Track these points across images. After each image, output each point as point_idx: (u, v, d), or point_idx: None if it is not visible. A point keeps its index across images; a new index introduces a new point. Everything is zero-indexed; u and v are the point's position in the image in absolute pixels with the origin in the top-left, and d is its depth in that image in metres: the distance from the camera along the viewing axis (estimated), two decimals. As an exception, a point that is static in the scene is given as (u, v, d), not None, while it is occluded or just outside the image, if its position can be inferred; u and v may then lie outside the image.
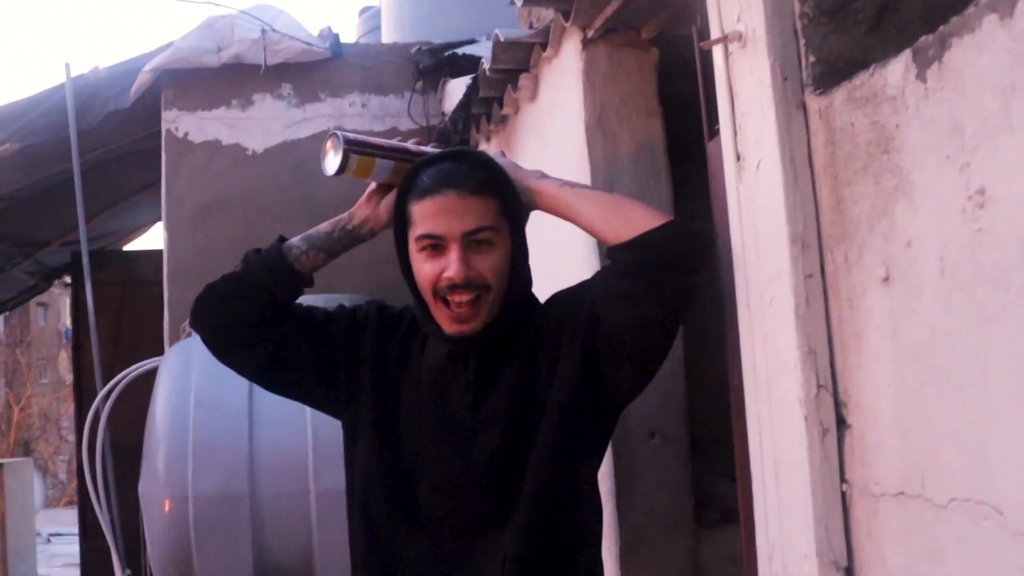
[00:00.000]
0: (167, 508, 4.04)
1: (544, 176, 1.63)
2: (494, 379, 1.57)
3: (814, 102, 1.50)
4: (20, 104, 5.78)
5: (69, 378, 24.95)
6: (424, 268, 1.54)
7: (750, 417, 1.63)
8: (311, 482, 4.05)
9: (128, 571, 4.46)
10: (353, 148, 1.61)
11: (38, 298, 23.38)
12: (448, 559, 1.54)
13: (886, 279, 1.35)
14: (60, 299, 25.96)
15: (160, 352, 5.03)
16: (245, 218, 5.40)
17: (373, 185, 1.67)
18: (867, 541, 1.43)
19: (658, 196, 2.54)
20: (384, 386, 1.63)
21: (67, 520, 13.65)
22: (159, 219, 8.54)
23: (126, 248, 8.55)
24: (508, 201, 1.56)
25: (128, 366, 4.72)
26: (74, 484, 20.59)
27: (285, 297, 1.66)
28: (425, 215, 1.54)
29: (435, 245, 1.53)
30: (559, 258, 2.60)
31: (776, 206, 1.52)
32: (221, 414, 4.06)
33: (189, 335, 4.64)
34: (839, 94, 1.44)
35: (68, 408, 23.96)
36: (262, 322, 1.64)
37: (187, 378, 4.16)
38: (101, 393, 4.50)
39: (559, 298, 1.60)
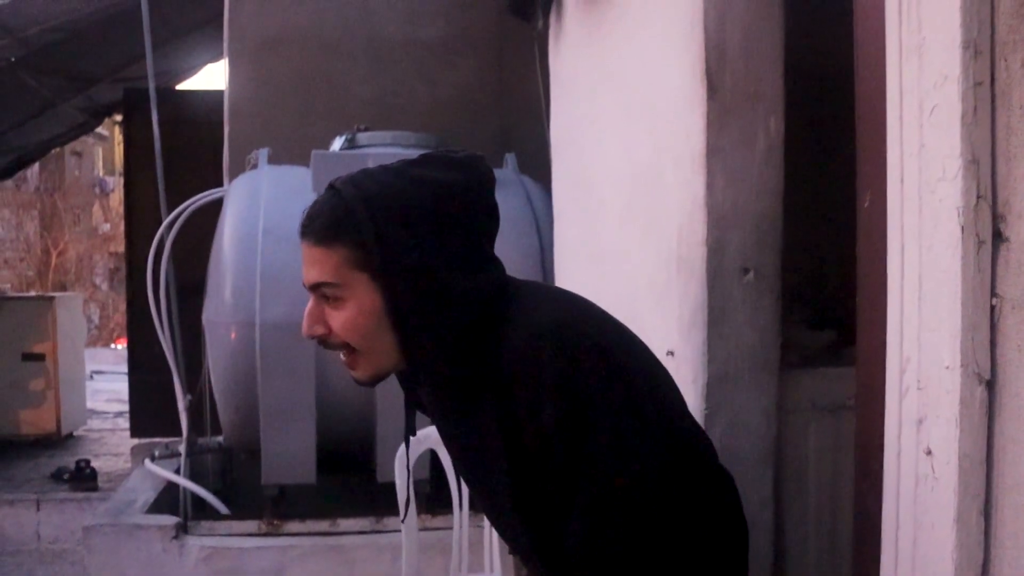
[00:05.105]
0: (233, 335, 4.10)
1: None
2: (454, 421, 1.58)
3: None
4: (82, -73, 5.65)
5: (103, 228, 25.20)
6: None
7: (892, 231, 1.60)
8: (376, 316, 4.02)
9: (189, 396, 4.56)
10: None
11: (72, 147, 23.47)
12: None
13: (1073, 82, 1.30)
14: (94, 149, 25.99)
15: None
16: (308, 55, 5.33)
17: None
18: (1016, 355, 1.42)
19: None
20: None
21: (105, 359, 14.00)
22: (210, 61, 8.47)
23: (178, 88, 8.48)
24: (366, 249, 1.39)
25: (179, 205, 4.71)
26: (110, 327, 21.03)
27: None
28: None
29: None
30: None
31: (949, 11, 1.45)
32: (290, 242, 4.01)
33: (255, 167, 4.62)
34: None
35: (102, 256, 24.29)
36: None
37: (255, 207, 4.17)
38: (166, 221, 4.52)
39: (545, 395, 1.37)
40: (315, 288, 1.44)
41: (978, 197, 1.44)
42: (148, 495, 4.29)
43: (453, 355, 1.44)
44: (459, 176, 1.46)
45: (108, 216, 24.81)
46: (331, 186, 1.46)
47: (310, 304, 1.45)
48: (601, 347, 1.44)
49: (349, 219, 1.40)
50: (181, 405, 4.49)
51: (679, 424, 1.56)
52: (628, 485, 1.40)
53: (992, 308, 1.45)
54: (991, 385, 1.45)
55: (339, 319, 1.43)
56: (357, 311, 1.42)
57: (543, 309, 1.46)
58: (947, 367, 1.47)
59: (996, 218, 1.45)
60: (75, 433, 8.29)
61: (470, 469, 1.63)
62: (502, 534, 1.68)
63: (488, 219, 1.49)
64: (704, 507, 1.52)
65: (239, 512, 4.20)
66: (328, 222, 1.41)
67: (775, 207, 2.49)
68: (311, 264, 1.43)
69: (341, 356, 1.48)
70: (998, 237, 1.45)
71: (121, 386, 8.90)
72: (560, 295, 1.57)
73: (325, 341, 1.46)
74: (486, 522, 2.60)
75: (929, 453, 1.53)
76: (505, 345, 1.40)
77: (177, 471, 4.44)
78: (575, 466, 1.39)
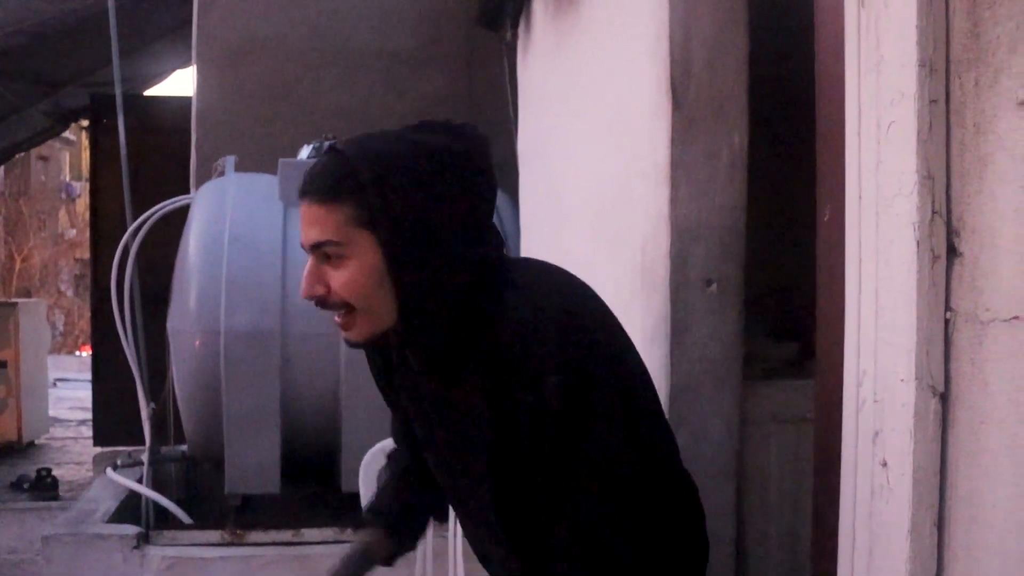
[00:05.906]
0: (198, 343, 4.07)
1: None
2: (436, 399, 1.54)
3: (957, -82, 1.45)
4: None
5: (69, 233, 24.92)
6: None
7: (850, 246, 1.62)
8: (342, 325, 4.03)
9: (152, 405, 4.52)
10: None
11: (38, 152, 23.22)
12: None
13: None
14: (61, 154, 25.72)
15: (180, 197, 4.98)
16: (277, 63, 5.32)
17: None
18: (969, 368, 1.44)
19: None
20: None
21: (70, 366, 13.85)
22: (178, 67, 8.42)
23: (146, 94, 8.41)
24: (370, 206, 1.39)
25: (145, 212, 4.67)
26: (74, 334, 20.79)
27: None
28: None
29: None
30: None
31: (906, 30, 1.48)
32: (255, 251, 4.05)
33: (221, 174, 4.60)
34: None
35: (67, 262, 24.01)
36: None
37: (221, 214, 4.15)
38: (131, 227, 4.49)
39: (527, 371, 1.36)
40: (316, 248, 1.43)
41: (933, 213, 1.47)
42: (109, 504, 4.24)
43: (452, 317, 1.43)
44: (457, 141, 1.47)
45: (74, 222, 24.53)
46: (332, 148, 1.46)
47: (309, 265, 1.44)
48: (606, 327, 1.47)
49: (352, 177, 1.40)
50: (144, 414, 4.45)
51: (663, 419, 1.56)
52: (625, 473, 1.40)
53: (946, 322, 1.48)
54: (945, 398, 1.48)
55: (340, 278, 1.42)
56: (359, 269, 1.41)
57: (546, 285, 1.47)
58: (902, 380, 1.49)
59: (951, 233, 1.47)
60: (37, 441, 8.19)
61: (447, 463, 1.60)
62: (470, 530, 1.65)
63: (487, 185, 1.49)
64: (672, 512, 1.52)
65: (202, 522, 4.17)
66: (331, 180, 1.41)
67: (739, 220, 2.52)
68: (312, 223, 1.42)
69: (336, 318, 1.47)
70: (952, 252, 1.47)
71: (85, 394, 8.81)
72: (559, 273, 1.55)
73: (324, 301, 1.45)
74: (450, 531, 2.60)
75: (885, 465, 1.54)
76: (504, 319, 1.40)
77: (140, 480, 4.39)
78: (570, 447, 1.38)
